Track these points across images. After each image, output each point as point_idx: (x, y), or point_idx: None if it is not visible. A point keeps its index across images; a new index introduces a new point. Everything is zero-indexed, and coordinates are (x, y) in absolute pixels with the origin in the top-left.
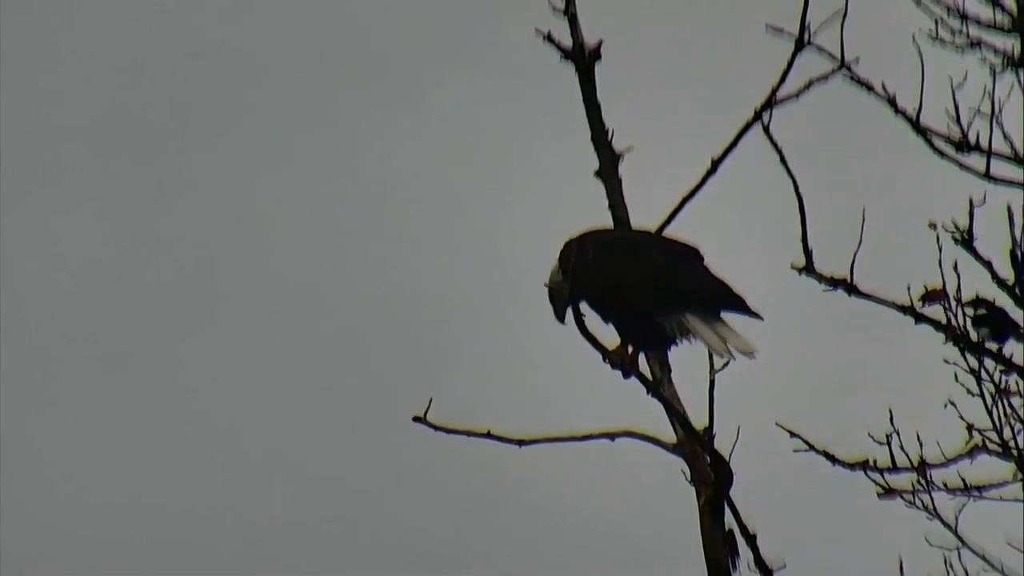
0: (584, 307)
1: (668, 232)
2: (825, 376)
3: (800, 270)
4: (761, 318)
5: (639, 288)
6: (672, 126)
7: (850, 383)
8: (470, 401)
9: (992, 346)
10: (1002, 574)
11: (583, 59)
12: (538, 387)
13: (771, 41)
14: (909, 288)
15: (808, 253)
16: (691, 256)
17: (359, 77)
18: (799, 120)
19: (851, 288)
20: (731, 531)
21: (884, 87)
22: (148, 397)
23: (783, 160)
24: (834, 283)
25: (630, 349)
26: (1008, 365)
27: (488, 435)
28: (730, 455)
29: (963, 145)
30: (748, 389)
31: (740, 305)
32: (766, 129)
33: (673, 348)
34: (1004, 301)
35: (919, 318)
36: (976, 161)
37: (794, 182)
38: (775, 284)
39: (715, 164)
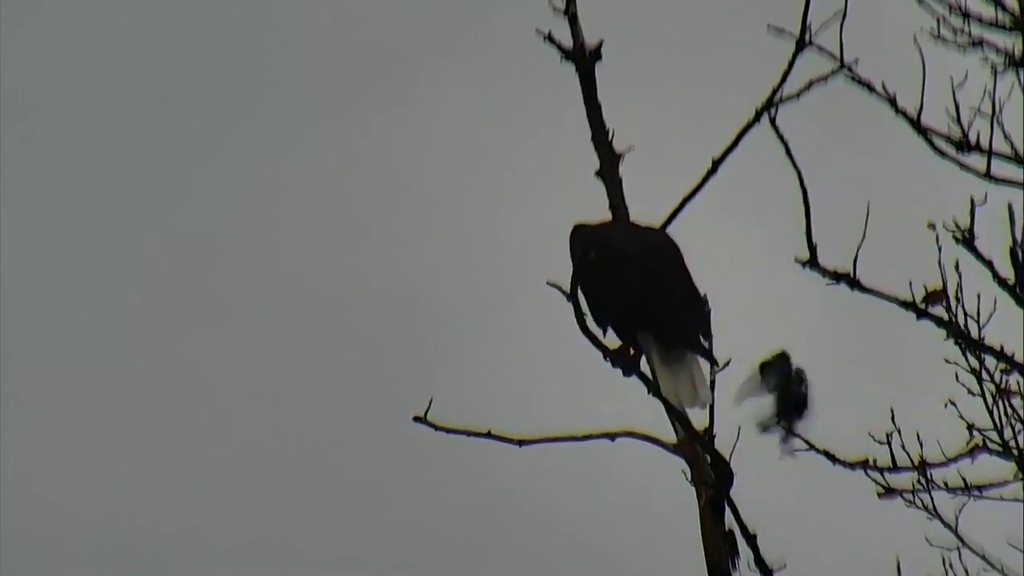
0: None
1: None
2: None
3: (804, 263)
4: (719, 366)
5: (613, 304)
6: (672, 126)
7: (850, 382)
8: (470, 401)
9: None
10: (1002, 574)
11: (583, 59)
12: (538, 387)
13: (771, 41)
14: (911, 284)
15: (812, 247)
16: (680, 279)
17: (357, 76)
18: (799, 121)
19: (854, 282)
20: (731, 531)
21: (884, 87)
22: (148, 397)
23: (788, 152)
24: (837, 277)
25: (631, 348)
26: (1010, 364)
27: (488, 435)
28: (730, 455)
29: (964, 145)
30: None
31: (701, 351)
32: (773, 122)
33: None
34: (1005, 301)
35: (921, 314)
36: (977, 161)
37: (799, 173)
38: (775, 287)
39: (715, 164)
